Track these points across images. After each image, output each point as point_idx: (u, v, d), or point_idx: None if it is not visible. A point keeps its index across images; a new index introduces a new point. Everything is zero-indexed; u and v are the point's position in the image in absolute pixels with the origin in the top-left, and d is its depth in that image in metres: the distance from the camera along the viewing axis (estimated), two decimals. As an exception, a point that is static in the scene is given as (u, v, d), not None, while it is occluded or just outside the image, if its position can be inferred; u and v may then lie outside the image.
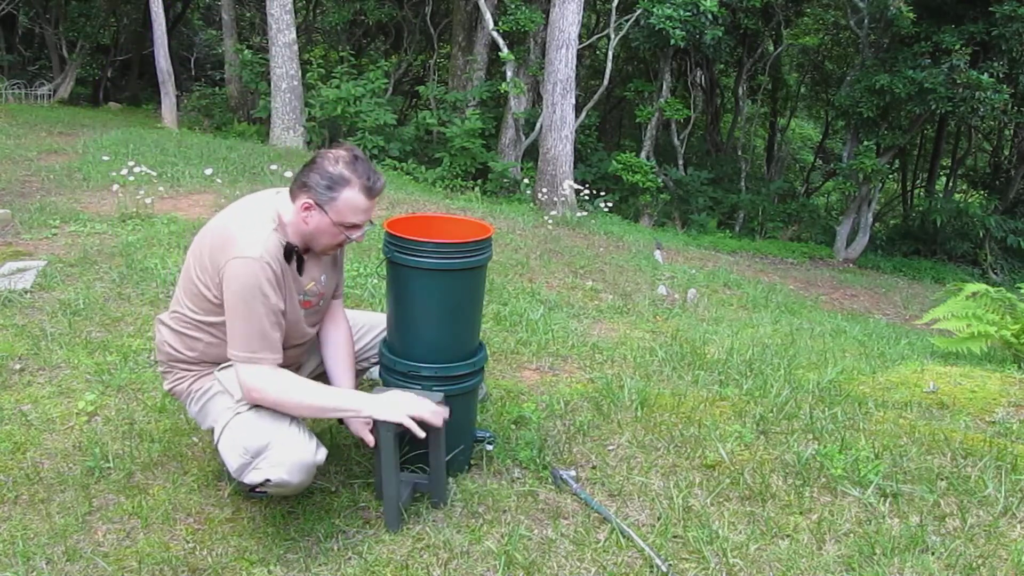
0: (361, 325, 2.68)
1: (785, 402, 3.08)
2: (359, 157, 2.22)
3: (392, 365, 2.46)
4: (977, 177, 15.78)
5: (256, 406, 2.23)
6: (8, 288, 4.01)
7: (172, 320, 2.36)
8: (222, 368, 2.33)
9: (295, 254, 2.26)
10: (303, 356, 2.53)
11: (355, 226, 2.25)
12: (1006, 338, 3.90)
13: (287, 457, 2.11)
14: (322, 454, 2.19)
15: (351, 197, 2.20)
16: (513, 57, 11.20)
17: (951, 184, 15.22)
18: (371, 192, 2.22)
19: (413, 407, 2.22)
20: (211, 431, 2.32)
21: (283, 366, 2.40)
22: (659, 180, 12.21)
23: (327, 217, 2.21)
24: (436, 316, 2.40)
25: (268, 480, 2.11)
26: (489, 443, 2.71)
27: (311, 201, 2.20)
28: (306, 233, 2.25)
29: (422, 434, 2.23)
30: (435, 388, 2.41)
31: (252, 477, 2.13)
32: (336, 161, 2.20)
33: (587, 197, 9.70)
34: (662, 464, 2.67)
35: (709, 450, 2.73)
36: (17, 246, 4.85)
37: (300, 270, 2.30)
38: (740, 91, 14.55)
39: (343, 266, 2.59)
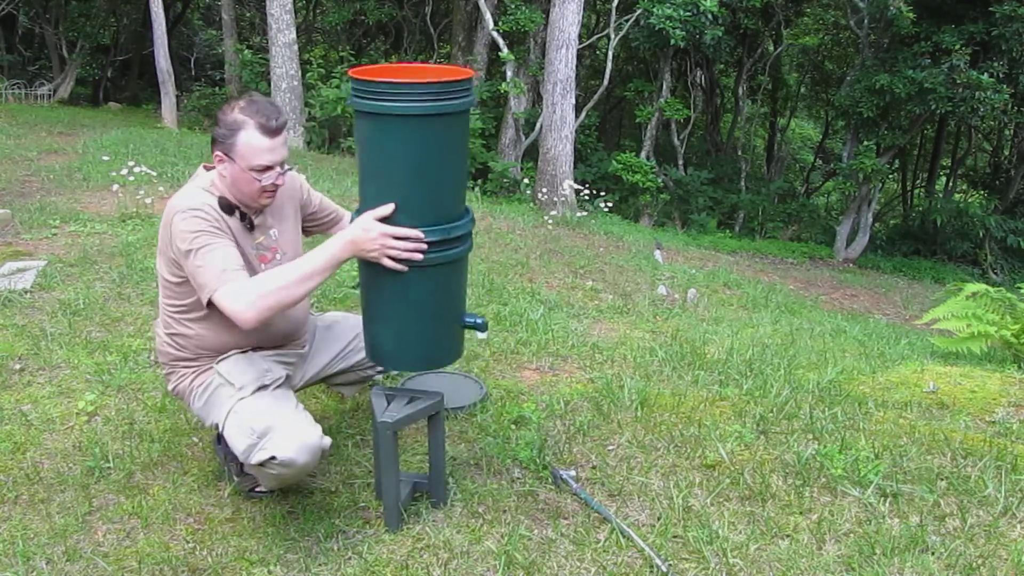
0: (358, 333, 2.68)
1: (785, 402, 3.08)
2: (255, 100, 2.22)
3: (435, 236, 2.16)
4: (977, 177, 15.78)
5: (258, 390, 2.25)
6: (8, 288, 4.01)
7: (161, 324, 2.41)
8: (220, 360, 2.35)
9: (236, 209, 2.29)
10: (296, 332, 2.52)
11: (265, 168, 2.22)
12: (1006, 338, 3.90)
13: (294, 438, 2.13)
14: (327, 441, 2.21)
15: (248, 138, 2.19)
16: (513, 57, 11.20)
17: (951, 184, 15.22)
18: (268, 130, 2.20)
19: (384, 235, 2.08)
20: (213, 427, 2.34)
21: (280, 345, 2.44)
22: (659, 180, 12.21)
23: (236, 164, 2.22)
24: (412, 171, 2.07)
25: (273, 458, 2.10)
26: (481, 330, 2.36)
27: (220, 152, 2.24)
28: (229, 186, 2.28)
29: (401, 266, 2.10)
30: (449, 250, 2.15)
31: (259, 456, 2.13)
32: (232, 108, 2.22)
33: (587, 197, 9.69)
34: (662, 464, 2.67)
35: (709, 450, 2.73)
36: (17, 246, 4.85)
37: (247, 224, 2.32)
38: (740, 91, 14.56)
39: (306, 207, 2.55)
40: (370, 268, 2.15)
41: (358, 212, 2.18)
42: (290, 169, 2.34)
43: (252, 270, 2.30)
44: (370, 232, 2.07)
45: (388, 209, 2.07)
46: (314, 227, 2.65)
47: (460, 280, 2.27)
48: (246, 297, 2.10)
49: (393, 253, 2.07)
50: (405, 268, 2.09)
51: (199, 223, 2.18)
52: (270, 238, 2.40)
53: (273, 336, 2.42)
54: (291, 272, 2.13)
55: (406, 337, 2.21)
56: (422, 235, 2.08)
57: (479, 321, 2.30)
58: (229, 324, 2.26)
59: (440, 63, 14.64)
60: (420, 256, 2.09)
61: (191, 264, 2.17)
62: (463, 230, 2.18)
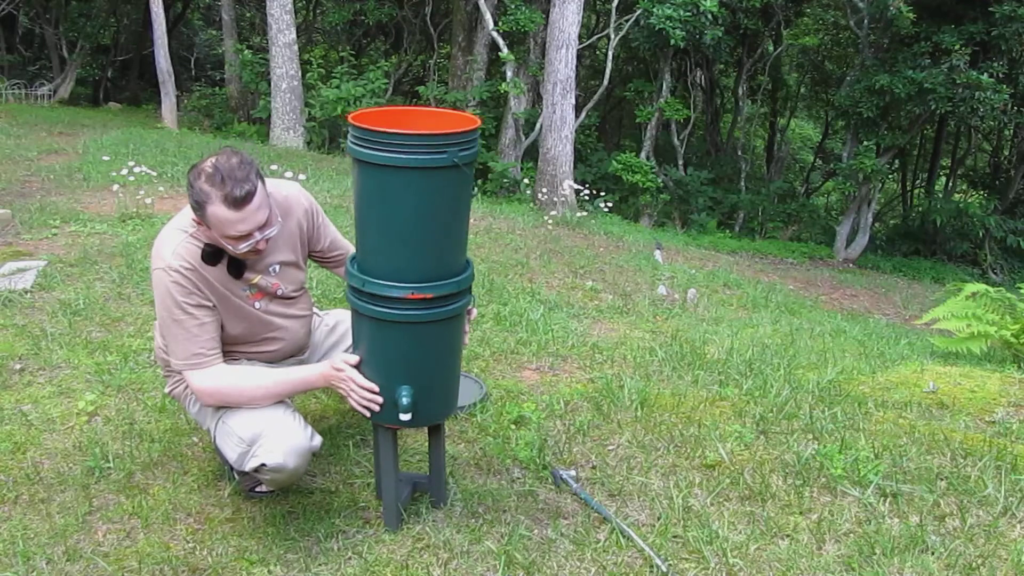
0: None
1: (785, 402, 3.08)
2: (220, 166, 2.05)
3: (360, 286, 2.10)
4: (977, 177, 15.77)
5: None
6: (8, 288, 4.01)
7: (158, 332, 2.40)
8: None
9: (224, 255, 2.20)
10: (298, 352, 2.51)
11: (240, 237, 2.11)
12: (1006, 338, 3.90)
13: (282, 442, 2.13)
14: (317, 441, 2.22)
15: (215, 212, 2.06)
16: (513, 57, 11.19)
17: (951, 184, 15.21)
18: (233, 202, 2.04)
19: (351, 379, 2.15)
20: (209, 431, 2.34)
21: (279, 361, 2.41)
22: (659, 180, 12.21)
23: (212, 231, 2.12)
24: (414, 224, 2.01)
25: (263, 464, 2.12)
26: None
27: (197, 217, 2.13)
28: (213, 239, 2.18)
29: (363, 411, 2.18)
30: (410, 311, 2.07)
31: (250, 464, 2.15)
32: (199, 175, 2.08)
33: (587, 197, 9.69)
34: (662, 464, 2.67)
35: (709, 450, 2.73)
36: (17, 246, 4.85)
37: (236, 267, 2.23)
38: (740, 91, 14.55)
39: (314, 243, 2.45)
40: (358, 319, 2.16)
41: (353, 259, 2.17)
42: (270, 233, 2.18)
43: (242, 312, 2.28)
44: (340, 373, 2.17)
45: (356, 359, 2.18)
46: (319, 263, 2.54)
47: (450, 338, 2.17)
48: (210, 385, 2.18)
49: (355, 397, 2.16)
50: (367, 414, 2.18)
51: (172, 291, 2.13)
52: (269, 275, 2.32)
53: (272, 359, 2.41)
54: (263, 380, 2.21)
55: (385, 393, 2.16)
56: (377, 390, 2.14)
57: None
58: (224, 354, 2.28)
59: (440, 64, 14.66)
60: (376, 408, 2.15)
61: (162, 324, 2.21)
62: (465, 284, 2.13)
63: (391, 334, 2.11)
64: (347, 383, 2.16)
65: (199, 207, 2.09)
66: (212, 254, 2.18)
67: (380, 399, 2.15)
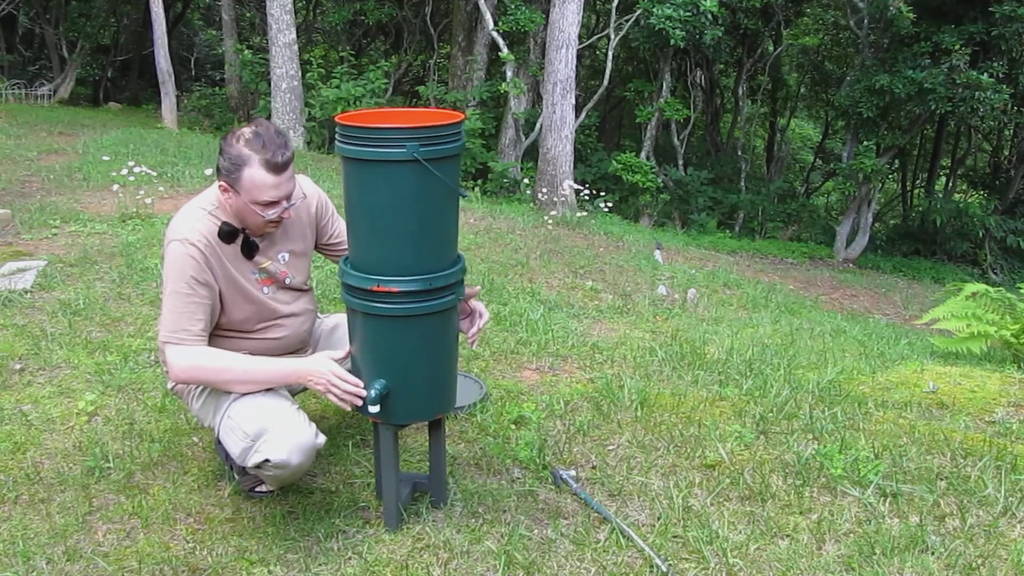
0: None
1: (785, 402, 3.08)
2: (260, 132, 2.14)
3: (340, 275, 2.17)
4: (977, 177, 15.77)
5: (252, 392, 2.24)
6: (8, 288, 4.01)
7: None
8: None
9: (240, 234, 2.25)
10: (300, 349, 2.51)
11: (270, 204, 2.18)
12: (1006, 338, 3.90)
13: (287, 439, 2.13)
14: (321, 439, 2.22)
15: (253, 175, 2.14)
16: (513, 57, 11.19)
17: (951, 184, 15.21)
18: (274, 167, 2.14)
19: (333, 373, 2.18)
20: (211, 429, 2.34)
21: (281, 354, 2.40)
22: (659, 180, 12.21)
23: (240, 197, 2.18)
24: (375, 216, 2.04)
25: (267, 460, 2.12)
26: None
27: (224, 183, 2.19)
28: (233, 214, 2.24)
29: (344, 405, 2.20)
30: (403, 304, 2.07)
31: (253, 459, 2.15)
32: (237, 139, 2.15)
33: (587, 197, 9.69)
34: (662, 464, 2.67)
35: (709, 450, 2.73)
36: (17, 246, 4.86)
37: (250, 248, 2.28)
38: (740, 91, 14.55)
39: (322, 234, 2.49)
40: (352, 316, 2.18)
41: (346, 260, 2.19)
42: (294, 204, 2.26)
43: (250, 295, 2.31)
44: (322, 368, 2.18)
45: (342, 353, 2.25)
46: (326, 255, 2.57)
47: (426, 335, 2.15)
48: (187, 362, 2.17)
49: (335, 392, 2.17)
50: (348, 407, 2.19)
51: (185, 263, 2.17)
52: (279, 262, 2.37)
53: (274, 350, 2.41)
54: (241, 366, 2.21)
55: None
56: (362, 384, 2.15)
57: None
58: (227, 339, 2.31)
59: (440, 64, 14.66)
60: (359, 401, 2.15)
61: (163, 295, 2.22)
62: (456, 277, 2.13)
63: (363, 325, 2.15)
64: (327, 376, 2.17)
65: (235, 170, 2.14)
66: (229, 233, 2.23)
67: (362, 393, 2.16)
